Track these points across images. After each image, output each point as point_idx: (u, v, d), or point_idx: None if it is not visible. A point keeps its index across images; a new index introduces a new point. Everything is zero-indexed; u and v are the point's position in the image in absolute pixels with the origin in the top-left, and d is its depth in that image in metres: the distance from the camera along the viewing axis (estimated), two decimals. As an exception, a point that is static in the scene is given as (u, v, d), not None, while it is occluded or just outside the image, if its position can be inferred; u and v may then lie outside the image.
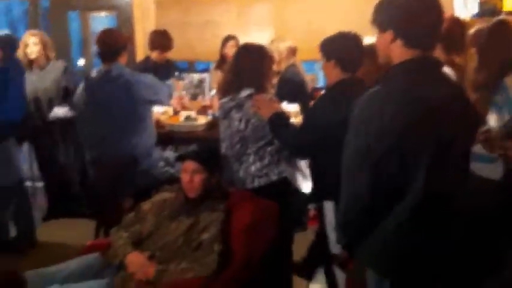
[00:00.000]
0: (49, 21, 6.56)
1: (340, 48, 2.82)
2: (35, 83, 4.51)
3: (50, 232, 4.57)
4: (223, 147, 3.23)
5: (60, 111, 4.49)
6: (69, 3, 6.37)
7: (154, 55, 4.84)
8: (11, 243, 4.15)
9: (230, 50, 5.19)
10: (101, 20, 8.13)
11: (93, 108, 3.64)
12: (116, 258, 2.74)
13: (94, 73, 3.71)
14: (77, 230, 4.47)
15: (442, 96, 1.97)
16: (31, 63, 4.54)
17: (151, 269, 2.63)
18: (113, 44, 3.68)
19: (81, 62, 6.92)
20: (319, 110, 2.88)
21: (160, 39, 4.83)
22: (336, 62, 2.80)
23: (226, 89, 3.17)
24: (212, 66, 5.56)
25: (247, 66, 3.11)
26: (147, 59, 4.96)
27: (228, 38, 5.40)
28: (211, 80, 5.16)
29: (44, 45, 4.56)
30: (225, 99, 3.17)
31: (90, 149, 3.80)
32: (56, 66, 4.64)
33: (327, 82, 3.02)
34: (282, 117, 2.99)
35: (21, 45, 4.42)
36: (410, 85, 1.97)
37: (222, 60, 5.36)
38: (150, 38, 4.93)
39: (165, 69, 4.72)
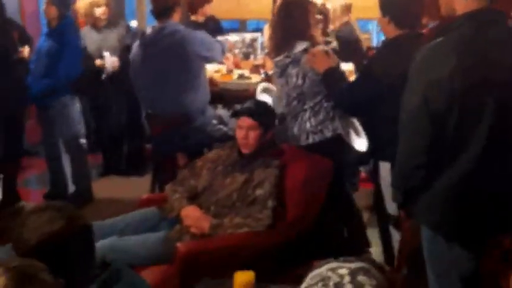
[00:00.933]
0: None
1: (396, 4, 2.73)
2: (100, 42, 4.58)
3: (105, 188, 4.69)
4: (279, 106, 3.21)
5: (108, 60, 4.55)
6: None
7: (195, 17, 4.81)
8: (69, 199, 4.28)
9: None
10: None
11: (148, 65, 3.67)
12: (172, 212, 2.79)
13: (149, 30, 3.73)
14: (132, 187, 4.56)
15: (507, 47, 1.91)
16: (96, 23, 4.61)
17: (207, 222, 2.66)
18: (166, 1, 3.68)
19: (133, 23, 6.94)
20: (374, 66, 2.82)
21: None
22: (390, 18, 2.72)
23: (279, 46, 3.14)
24: (266, 25, 5.48)
25: (292, 19, 3.08)
26: (188, 20, 4.91)
27: None
28: (265, 39, 5.10)
29: (110, 6, 4.64)
30: (279, 57, 3.14)
31: (145, 105, 3.85)
32: (119, 26, 4.70)
33: (385, 37, 2.94)
34: (336, 72, 2.94)
35: (88, 5, 4.47)
36: (476, 35, 1.91)
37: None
38: None
39: (209, 27, 4.68)
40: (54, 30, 4.11)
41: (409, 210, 2.19)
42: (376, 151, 2.94)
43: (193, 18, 4.82)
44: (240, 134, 2.86)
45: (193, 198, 2.86)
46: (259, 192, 2.70)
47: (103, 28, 4.63)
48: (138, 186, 4.33)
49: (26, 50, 4.66)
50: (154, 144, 3.98)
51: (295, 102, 3.11)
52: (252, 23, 7.12)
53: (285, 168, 2.80)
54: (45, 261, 1.38)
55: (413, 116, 1.99)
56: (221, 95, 4.10)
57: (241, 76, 4.19)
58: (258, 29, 5.99)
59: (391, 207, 2.85)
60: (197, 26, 4.54)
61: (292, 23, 3.08)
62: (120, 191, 4.55)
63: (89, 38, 4.51)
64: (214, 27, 4.80)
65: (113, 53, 4.56)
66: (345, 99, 2.91)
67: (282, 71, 3.15)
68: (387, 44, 2.86)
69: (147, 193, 3.83)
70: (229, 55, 4.41)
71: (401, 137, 2.07)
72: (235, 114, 2.99)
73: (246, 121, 2.85)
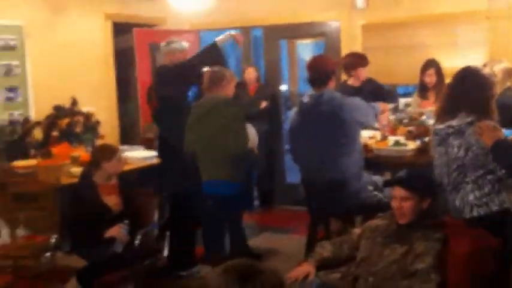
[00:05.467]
0: (261, 50, 6.95)
1: None
2: None
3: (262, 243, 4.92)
4: (437, 175, 3.14)
5: None
6: (282, 32, 6.68)
7: (351, 80, 4.89)
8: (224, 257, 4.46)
9: (429, 79, 5.04)
10: (305, 47, 8.44)
11: (306, 131, 3.79)
12: None
13: (306, 98, 3.87)
14: (287, 244, 4.72)
15: None
16: None
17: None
18: (324, 70, 3.81)
19: (283, 87, 7.24)
20: None
21: (356, 59, 4.89)
22: None
23: (443, 115, 3.10)
24: (415, 91, 5.42)
25: (466, 91, 3.01)
26: (344, 84, 5.00)
27: (427, 66, 5.17)
28: (412, 105, 5.07)
29: None
30: (441, 126, 3.09)
31: (303, 170, 3.96)
32: None
33: None
34: (506, 143, 2.83)
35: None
36: None
37: (421, 87, 5.20)
38: (345, 61, 4.97)
39: (365, 91, 4.72)
40: None
41: None
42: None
43: (350, 82, 4.91)
44: (394, 204, 2.83)
45: (328, 266, 2.90)
46: (420, 265, 2.64)
47: None
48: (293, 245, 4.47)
49: None
50: (309, 208, 4.05)
51: (455, 174, 3.02)
52: (401, 88, 7.11)
53: (448, 241, 2.71)
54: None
55: None
56: (378, 161, 4.10)
57: (396, 142, 4.17)
58: (407, 94, 5.95)
59: None
60: (353, 90, 4.63)
61: (463, 94, 3.03)
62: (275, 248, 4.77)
63: None
64: (372, 90, 4.83)
65: None
66: None
67: (442, 140, 3.09)
68: None
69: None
70: (384, 121, 4.41)
71: None
72: (388, 184, 2.96)
73: (398, 191, 2.82)
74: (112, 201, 3.80)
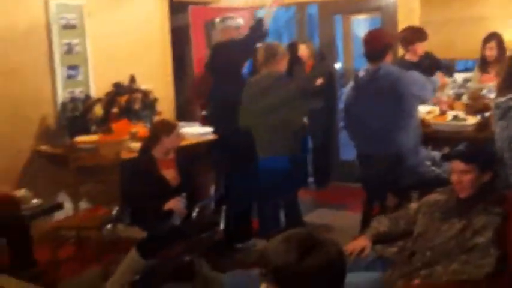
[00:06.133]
0: (315, 26, 6.90)
1: None
2: None
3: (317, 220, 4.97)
4: (498, 149, 3.07)
5: None
6: (337, 8, 6.59)
7: (409, 55, 4.80)
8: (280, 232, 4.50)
9: (490, 52, 4.90)
10: (360, 23, 8.33)
11: (362, 105, 3.76)
12: None
13: (362, 73, 3.83)
14: (342, 221, 4.76)
15: None
16: None
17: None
18: (380, 43, 3.76)
19: (337, 65, 7.16)
20: None
21: (415, 33, 4.79)
22: None
23: (504, 88, 3.01)
24: (475, 65, 5.28)
25: None
26: (401, 59, 4.92)
27: (488, 39, 5.02)
28: (472, 80, 4.95)
29: None
30: (502, 99, 3.01)
31: (359, 145, 3.94)
32: None
33: None
34: None
35: None
36: None
37: (482, 61, 5.06)
38: (403, 35, 4.89)
39: (423, 66, 4.63)
40: None
41: None
42: None
43: (407, 57, 4.82)
44: (453, 178, 2.78)
45: (383, 240, 2.89)
46: (480, 239, 2.59)
47: None
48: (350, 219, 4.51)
49: None
50: (364, 184, 4.03)
51: (516, 148, 2.95)
52: (461, 63, 6.93)
53: (509, 217, 2.65)
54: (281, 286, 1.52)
55: None
56: (436, 136, 4.03)
57: (455, 117, 4.09)
58: (466, 69, 5.81)
59: None
60: (411, 65, 4.54)
61: None
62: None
63: None
64: (430, 64, 4.73)
65: None
66: None
67: (504, 114, 3.02)
68: None
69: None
70: (442, 96, 4.34)
71: None
72: (446, 158, 2.91)
73: (458, 165, 2.76)
74: (170, 175, 3.88)
